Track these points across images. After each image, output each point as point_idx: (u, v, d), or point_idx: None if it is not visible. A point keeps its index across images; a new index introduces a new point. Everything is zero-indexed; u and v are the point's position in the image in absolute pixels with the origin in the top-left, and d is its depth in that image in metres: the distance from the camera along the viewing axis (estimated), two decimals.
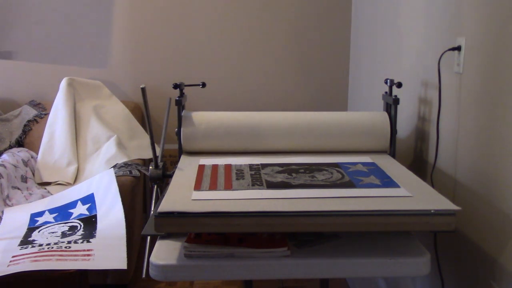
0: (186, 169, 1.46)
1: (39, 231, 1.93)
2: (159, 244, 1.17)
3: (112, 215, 2.05)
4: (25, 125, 2.67)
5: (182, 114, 1.63)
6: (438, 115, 1.52)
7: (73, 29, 2.82)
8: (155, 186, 1.55)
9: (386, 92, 1.72)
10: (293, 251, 1.14)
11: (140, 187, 2.50)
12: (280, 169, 1.42)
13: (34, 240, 1.84)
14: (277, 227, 1.12)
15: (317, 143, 1.63)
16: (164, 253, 1.14)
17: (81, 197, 2.15)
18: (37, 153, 2.56)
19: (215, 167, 1.45)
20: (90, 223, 1.96)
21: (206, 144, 1.62)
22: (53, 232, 1.91)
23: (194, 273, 1.12)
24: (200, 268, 1.11)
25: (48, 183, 2.45)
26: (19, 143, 2.63)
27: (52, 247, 1.73)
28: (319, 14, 2.92)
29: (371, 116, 1.68)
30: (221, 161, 1.51)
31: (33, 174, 2.47)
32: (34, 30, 2.82)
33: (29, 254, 1.86)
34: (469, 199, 1.38)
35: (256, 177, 1.34)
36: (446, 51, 1.46)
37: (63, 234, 1.87)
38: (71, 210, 2.08)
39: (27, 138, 2.65)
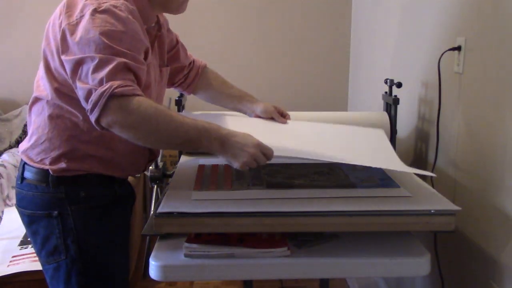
0: (186, 169, 1.45)
1: None
2: (159, 244, 1.16)
3: None
4: (25, 125, 2.66)
5: (182, 114, 1.63)
6: (438, 115, 1.52)
7: None
8: (155, 186, 1.55)
9: (386, 92, 1.72)
10: (293, 251, 1.13)
11: (140, 187, 2.50)
12: (280, 169, 1.42)
13: None
14: (277, 227, 1.12)
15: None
16: (164, 253, 1.13)
17: None
18: None
19: (215, 167, 1.45)
20: None
21: None
22: None
23: (194, 273, 1.12)
24: (200, 268, 1.10)
25: None
26: (19, 143, 2.62)
27: None
28: (320, 14, 2.91)
29: (371, 116, 1.68)
30: (221, 161, 1.51)
31: None
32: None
33: (29, 254, 1.86)
34: (469, 199, 1.38)
35: (256, 177, 1.34)
36: (446, 51, 1.46)
37: None
38: None
39: None
